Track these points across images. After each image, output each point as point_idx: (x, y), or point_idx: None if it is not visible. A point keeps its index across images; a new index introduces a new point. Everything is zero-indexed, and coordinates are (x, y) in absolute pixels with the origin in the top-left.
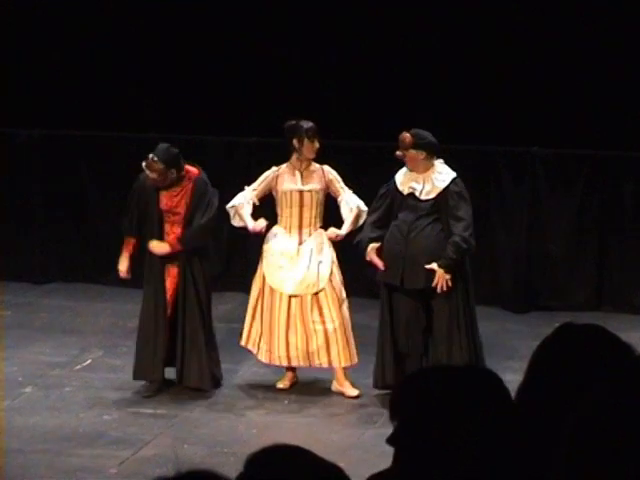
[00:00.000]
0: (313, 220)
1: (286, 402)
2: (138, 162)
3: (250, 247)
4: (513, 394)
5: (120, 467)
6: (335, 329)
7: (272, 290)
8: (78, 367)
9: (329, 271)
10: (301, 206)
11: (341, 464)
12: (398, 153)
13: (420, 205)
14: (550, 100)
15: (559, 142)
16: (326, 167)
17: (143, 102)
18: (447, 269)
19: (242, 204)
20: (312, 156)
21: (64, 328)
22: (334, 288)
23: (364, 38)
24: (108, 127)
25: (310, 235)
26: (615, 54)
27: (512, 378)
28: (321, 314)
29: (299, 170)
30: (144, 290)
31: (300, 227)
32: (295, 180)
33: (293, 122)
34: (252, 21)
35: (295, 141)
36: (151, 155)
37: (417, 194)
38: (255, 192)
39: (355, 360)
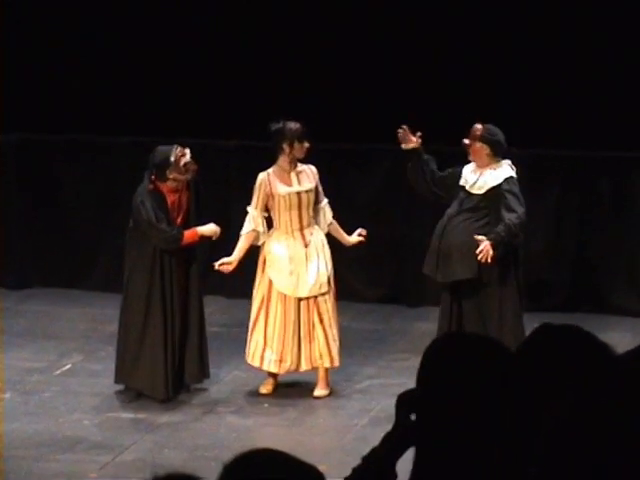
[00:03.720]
0: (311, 220)
1: (266, 405)
2: (115, 166)
3: (230, 251)
4: None
5: (100, 472)
6: (333, 328)
7: (281, 296)
8: (57, 372)
9: (332, 269)
10: (300, 208)
11: (322, 467)
12: (465, 141)
13: (467, 199)
14: (528, 100)
15: (537, 143)
16: (312, 166)
17: (121, 106)
18: (494, 244)
19: (249, 232)
20: (302, 156)
21: (43, 333)
22: (332, 287)
23: (341, 38)
24: (87, 131)
25: (312, 235)
26: (591, 54)
27: None
28: (319, 313)
29: (291, 172)
30: (140, 295)
31: (301, 229)
32: (290, 182)
33: (280, 125)
34: (226, 23)
35: (285, 145)
36: (175, 145)
37: (468, 187)
38: (259, 209)
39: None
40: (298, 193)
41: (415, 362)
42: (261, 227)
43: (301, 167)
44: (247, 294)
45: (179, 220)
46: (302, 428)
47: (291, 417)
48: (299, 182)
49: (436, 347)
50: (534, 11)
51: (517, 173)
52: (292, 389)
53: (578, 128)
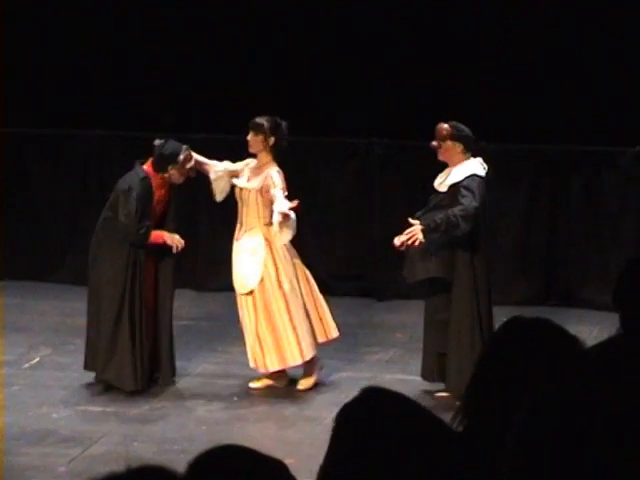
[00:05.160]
0: (250, 219)
1: (236, 399)
2: (86, 160)
3: (202, 243)
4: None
5: (69, 465)
6: (259, 331)
7: (264, 288)
8: (26, 365)
9: (259, 276)
10: (241, 203)
11: (290, 460)
12: (434, 144)
13: (434, 198)
14: (497, 95)
15: (507, 137)
16: (272, 170)
17: (91, 99)
18: (425, 230)
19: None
20: (251, 150)
21: (12, 326)
22: (263, 292)
23: (319, 32)
24: (58, 125)
25: (246, 235)
26: (562, 49)
27: None
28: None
29: (249, 166)
30: (112, 287)
31: (241, 224)
32: (244, 176)
33: (274, 118)
34: (193, 18)
35: (273, 139)
36: (187, 146)
37: (436, 186)
38: (229, 167)
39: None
40: (241, 189)
41: (384, 355)
42: (223, 170)
43: (266, 167)
44: (216, 287)
45: (158, 216)
46: (271, 421)
47: (260, 410)
48: (249, 179)
49: (352, 410)
50: (507, 4)
51: (488, 169)
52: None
53: (548, 123)
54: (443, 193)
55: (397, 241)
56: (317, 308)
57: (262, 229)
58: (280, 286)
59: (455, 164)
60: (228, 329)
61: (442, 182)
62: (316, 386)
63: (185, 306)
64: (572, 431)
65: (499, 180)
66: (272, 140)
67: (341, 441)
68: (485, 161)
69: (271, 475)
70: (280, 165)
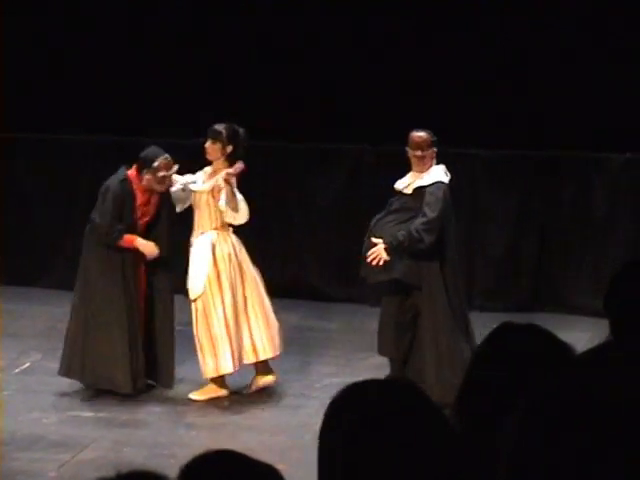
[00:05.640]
0: (203, 222)
1: (226, 404)
2: (76, 166)
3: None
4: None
5: (59, 470)
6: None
7: (206, 294)
8: (17, 370)
9: (204, 283)
10: (195, 207)
11: (281, 466)
12: (417, 153)
13: (397, 200)
14: (490, 101)
15: (499, 143)
16: (224, 173)
17: (83, 105)
18: (389, 248)
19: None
20: (208, 156)
21: (2, 331)
22: (204, 298)
23: (308, 40)
24: (50, 129)
25: (197, 239)
26: (557, 54)
27: None
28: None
29: (206, 172)
30: (104, 291)
31: (195, 228)
32: (198, 181)
33: (232, 126)
34: (165, 22)
35: (231, 147)
36: (164, 155)
37: (400, 187)
38: (189, 178)
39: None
40: (194, 192)
41: (374, 360)
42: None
43: (217, 170)
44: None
45: (143, 221)
46: (261, 427)
47: (250, 416)
48: (202, 182)
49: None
50: (505, 10)
51: (451, 178)
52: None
53: (538, 129)
54: (407, 195)
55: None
56: (266, 323)
57: (212, 233)
58: (221, 293)
59: (426, 170)
60: None
61: (408, 185)
62: (307, 392)
63: (176, 311)
64: (562, 437)
65: (489, 186)
66: (230, 148)
67: (330, 439)
68: (475, 168)
69: None
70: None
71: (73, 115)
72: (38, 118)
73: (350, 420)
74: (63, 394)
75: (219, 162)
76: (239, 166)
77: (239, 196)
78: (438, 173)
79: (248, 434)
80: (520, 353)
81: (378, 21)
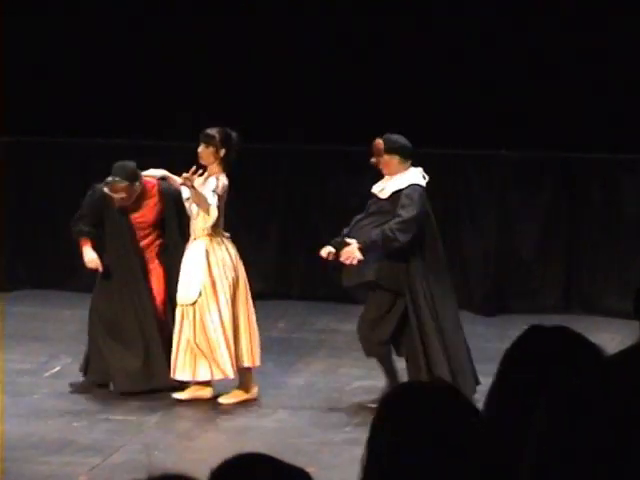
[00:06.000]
0: (197, 229)
1: (255, 407)
2: (105, 169)
3: None
4: (483, 397)
5: (89, 474)
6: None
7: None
8: (47, 374)
9: (199, 288)
10: (190, 214)
11: (311, 469)
12: (373, 160)
13: (374, 204)
14: (519, 102)
15: (527, 145)
16: (212, 177)
17: (112, 108)
18: (362, 248)
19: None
20: (201, 161)
21: (32, 335)
22: (199, 303)
23: (323, 42)
24: (80, 134)
25: (191, 244)
26: (582, 56)
27: (483, 381)
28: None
29: (200, 179)
30: (119, 293)
31: (190, 235)
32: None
33: (225, 130)
34: (194, 23)
35: (224, 151)
36: (110, 178)
37: (376, 192)
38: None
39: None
40: (187, 199)
41: (403, 363)
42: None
43: (210, 176)
44: None
45: (138, 221)
46: (291, 430)
47: (280, 418)
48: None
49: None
50: (528, 9)
51: (428, 181)
52: (280, 391)
53: (569, 130)
54: (384, 200)
55: (324, 253)
56: (250, 332)
57: (205, 239)
58: (216, 299)
59: (394, 174)
60: None
61: (383, 189)
62: (337, 396)
63: None
64: (590, 438)
65: (519, 188)
66: (223, 152)
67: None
68: (505, 169)
69: None
70: (229, 176)
71: (98, 118)
72: (66, 121)
73: (397, 426)
74: (93, 398)
75: (213, 166)
76: (222, 182)
77: (211, 200)
78: (414, 176)
79: (277, 437)
80: (550, 355)
81: (386, 17)
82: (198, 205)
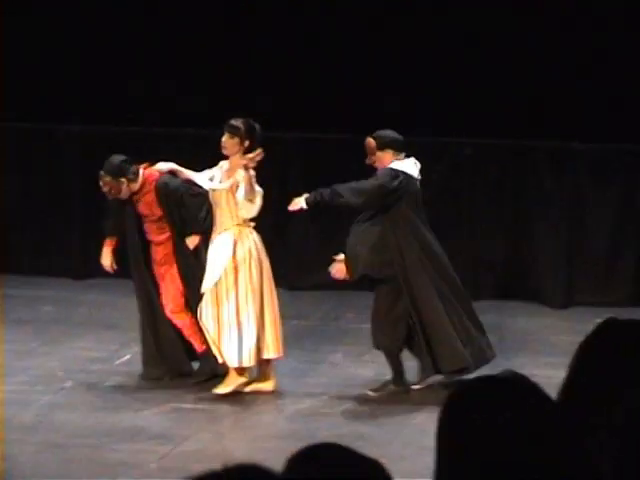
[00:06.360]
0: (224, 220)
1: (325, 398)
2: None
3: (293, 242)
4: (553, 390)
5: (160, 462)
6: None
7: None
8: (118, 362)
9: (219, 275)
10: (215, 205)
11: (382, 460)
12: (368, 161)
13: None
14: (591, 94)
15: (600, 137)
16: (241, 170)
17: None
18: (309, 200)
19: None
20: (224, 151)
21: (104, 323)
22: (217, 291)
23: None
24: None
25: (219, 234)
26: None
27: (553, 374)
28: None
29: (223, 169)
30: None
31: (216, 226)
32: (215, 179)
33: (249, 121)
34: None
35: (248, 142)
36: (101, 171)
37: None
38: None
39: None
40: (213, 191)
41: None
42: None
43: (235, 167)
44: (307, 286)
45: (156, 229)
46: (361, 420)
47: (350, 409)
48: (220, 181)
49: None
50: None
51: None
52: (348, 381)
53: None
54: None
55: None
56: (275, 323)
57: (234, 229)
58: (236, 288)
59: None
60: (318, 328)
61: None
62: (406, 387)
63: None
64: None
65: (591, 180)
66: (247, 143)
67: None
68: (577, 162)
69: (369, 474)
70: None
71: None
72: (130, 112)
73: (469, 420)
74: (164, 386)
75: (236, 157)
76: (259, 153)
77: (258, 188)
78: (403, 164)
79: (349, 427)
80: (626, 350)
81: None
82: (246, 193)
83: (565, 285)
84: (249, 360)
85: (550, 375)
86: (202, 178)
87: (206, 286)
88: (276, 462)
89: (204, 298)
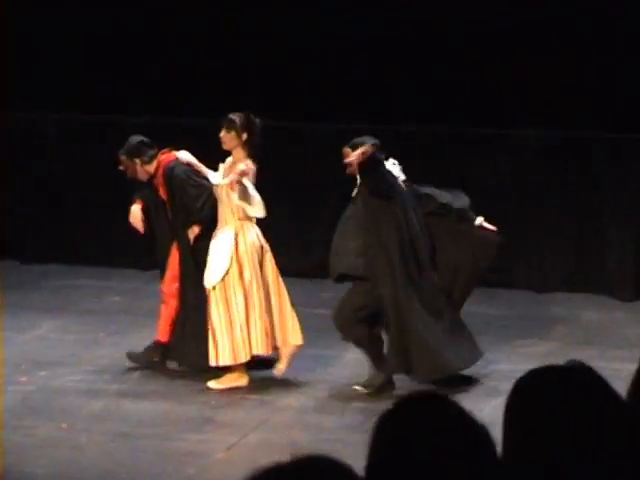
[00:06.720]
0: (226, 215)
1: (393, 391)
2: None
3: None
4: (620, 383)
5: (227, 452)
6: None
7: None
8: None
9: (222, 272)
10: (219, 200)
11: None
12: (348, 172)
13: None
14: (614, 86)
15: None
16: (241, 164)
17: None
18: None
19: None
20: (225, 147)
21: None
22: (224, 286)
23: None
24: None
25: (220, 229)
26: None
27: (621, 367)
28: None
29: (226, 165)
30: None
31: (219, 221)
32: (219, 175)
33: (247, 114)
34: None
35: (246, 135)
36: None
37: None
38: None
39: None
40: (216, 186)
41: (544, 347)
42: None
43: (237, 162)
44: None
45: (173, 213)
46: None
47: None
48: (223, 175)
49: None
50: None
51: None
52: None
53: None
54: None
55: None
56: (282, 313)
57: (235, 224)
58: (242, 281)
59: None
60: None
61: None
62: (468, 377)
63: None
64: None
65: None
66: (245, 136)
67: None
68: (619, 154)
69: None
70: (255, 161)
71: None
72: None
73: (536, 409)
74: None
75: (237, 151)
76: (249, 167)
77: (253, 193)
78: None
79: None
80: None
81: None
82: (241, 199)
83: (634, 277)
84: (262, 350)
85: (619, 368)
86: (213, 175)
87: (211, 281)
88: (343, 454)
89: (211, 297)
